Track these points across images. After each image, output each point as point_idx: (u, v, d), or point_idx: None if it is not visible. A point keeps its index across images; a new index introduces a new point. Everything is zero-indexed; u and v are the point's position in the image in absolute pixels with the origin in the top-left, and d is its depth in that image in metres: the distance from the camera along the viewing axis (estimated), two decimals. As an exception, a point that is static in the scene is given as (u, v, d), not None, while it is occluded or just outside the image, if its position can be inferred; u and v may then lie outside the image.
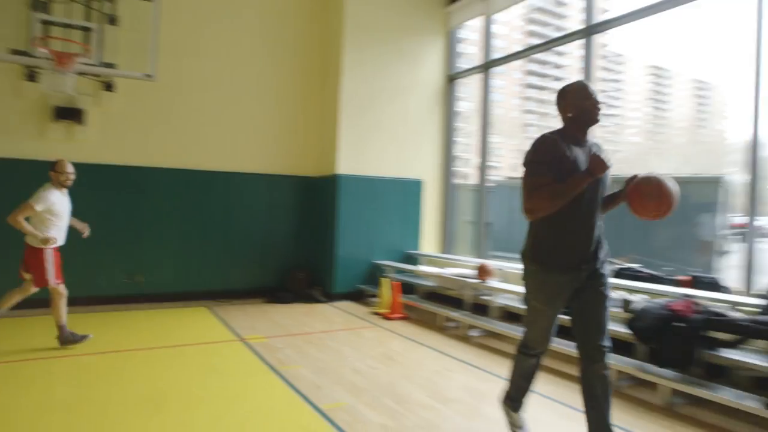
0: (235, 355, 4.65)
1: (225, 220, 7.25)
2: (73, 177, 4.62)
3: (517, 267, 6.13)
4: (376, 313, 6.54)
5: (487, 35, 7.60)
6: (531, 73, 57.30)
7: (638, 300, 4.42)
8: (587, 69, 6.02)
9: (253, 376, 4.06)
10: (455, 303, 6.35)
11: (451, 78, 8.20)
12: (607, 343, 2.59)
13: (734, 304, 4.07)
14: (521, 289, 5.38)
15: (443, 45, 8.20)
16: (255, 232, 7.48)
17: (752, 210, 4.65)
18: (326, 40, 7.80)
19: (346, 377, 4.10)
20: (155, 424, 3.05)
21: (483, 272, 5.93)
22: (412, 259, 7.84)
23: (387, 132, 7.71)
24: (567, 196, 2.40)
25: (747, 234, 4.72)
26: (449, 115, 8.25)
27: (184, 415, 3.22)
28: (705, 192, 7.52)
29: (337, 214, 7.29)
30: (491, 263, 6.13)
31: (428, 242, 8.19)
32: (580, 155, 2.52)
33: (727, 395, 3.42)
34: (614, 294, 4.53)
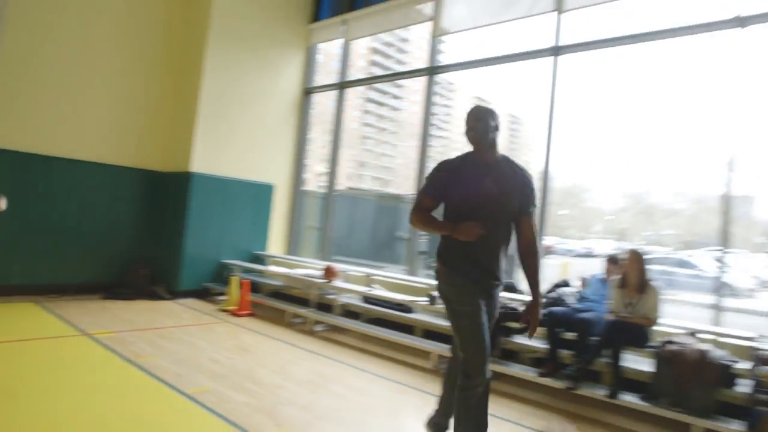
0: (82, 349, 4.57)
1: (58, 210, 6.76)
2: None
3: (357, 269, 6.93)
4: (224, 310, 6.75)
5: (345, 57, 8.34)
6: (372, 88, 60.40)
7: (456, 298, 5.44)
8: (428, 101, 7.10)
9: (109, 368, 4.11)
10: (300, 301, 6.88)
11: (308, 91, 8.75)
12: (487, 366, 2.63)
13: (524, 302, 5.30)
14: (362, 288, 6.18)
15: (303, 59, 8.72)
16: (92, 224, 7.09)
17: (540, 231, 6.02)
18: (188, 38, 7.77)
19: (205, 366, 4.37)
20: (14, 416, 3.04)
21: (329, 273, 6.56)
22: (260, 260, 8.16)
23: (244, 136, 7.95)
24: (433, 231, 2.71)
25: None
26: (303, 125, 8.78)
27: (41, 406, 3.22)
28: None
29: (188, 212, 7.31)
30: (336, 265, 6.79)
31: (275, 244, 8.58)
32: (473, 176, 2.62)
33: (517, 370, 4.55)
34: (437, 294, 5.53)
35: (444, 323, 5.43)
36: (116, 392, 3.59)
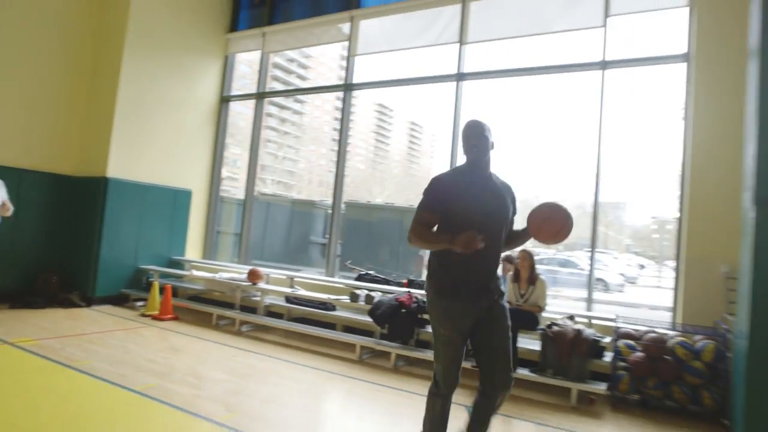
0: (9, 357, 4.54)
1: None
2: None
3: (279, 272, 7.32)
4: (146, 315, 6.79)
5: (263, 69, 8.66)
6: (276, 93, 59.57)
7: (376, 295, 6.05)
8: (344, 115, 7.67)
9: (48, 373, 4.18)
10: (222, 304, 7.11)
11: (225, 99, 8.93)
12: (513, 371, 2.69)
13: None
14: (288, 289, 6.65)
15: (220, 68, 8.89)
16: (-4, 231, 6.78)
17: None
18: (103, 40, 7.66)
19: (144, 366, 4.57)
20: (-31, 414, 3.14)
21: (254, 276, 6.88)
22: (178, 264, 8.21)
23: (161, 141, 7.97)
24: (431, 246, 2.58)
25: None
26: (220, 132, 8.94)
27: (-6, 405, 3.33)
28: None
29: (104, 217, 7.22)
30: (261, 268, 7.12)
31: (193, 249, 8.65)
32: (474, 191, 2.59)
33: (429, 354, 5.24)
34: (360, 293, 6.12)
35: (367, 318, 6.01)
36: (63, 393, 3.74)
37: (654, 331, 4.76)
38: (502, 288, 2.71)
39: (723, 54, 4.96)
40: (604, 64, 5.79)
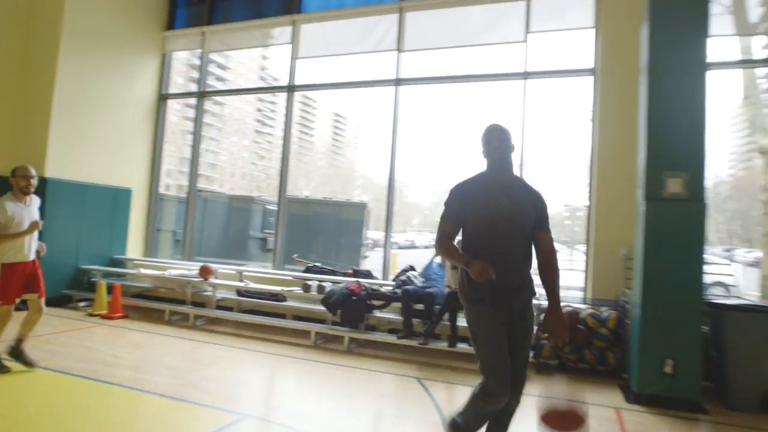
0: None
1: None
2: (35, 183, 4.37)
3: (228, 267, 7.61)
4: (94, 315, 6.82)
5: (203, 68, 8.77)
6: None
7: (327, 285, 6.53)
8: (288, 116, 8.02)
9: (18, 376, 4.29)
10: (170, 300, 7.28)
11: (164, 97, 8.94)
12: (524, 383, 2.67)
13: (381, 285, 6.62)
14: (238, 283, 7.02)
15: (158, 65, 8.87)
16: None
17: (388, 228, 7.40)
18: (36, 36, 7.45)
19: (112, 361, 4.78)
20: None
21: (205, 271, 7.11)
22: (120, 263, 8.20)
23: (100, 140, 7.89)
24: (453, 261, 2.70)
25: (385, 244, 7.46)
26: (159, 130, 8.94)
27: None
28: (354, 213, 10.54)
29: (43, 218, 7.07)
30: (212, 264, 7.35)
31: (134, 247, 8.64)
32: (490, 196, 2.62)
33: (379, 336, 5.82)
34: (312, 283, 6.58)
35: (316, 307, 6.47)
36: (40, 392, 3.93)
37: (569, 306, 5.62)
38: (530, 295, 2.69)
39: (622, 69, 5.86)
40: (525, 75, 6.58)
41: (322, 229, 10.25)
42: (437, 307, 5.69)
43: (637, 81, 5.15)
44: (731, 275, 9.10)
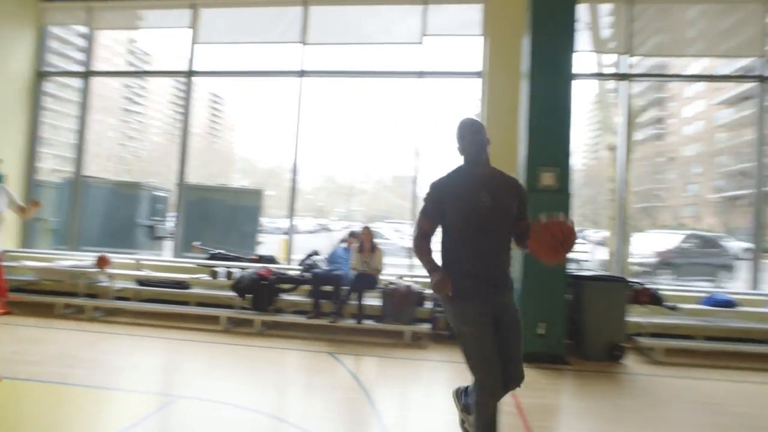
0: None
1: None
2: None
3: (126, 256, 7.40)
4: (-29, 312, 6.29)
5: (90, 45, 8.22)
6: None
7: (235, 271, 6.68)
8: (187, 102, 7.89)
9: None
10: (58, 294, 6.91)
11: (42, 74, 8.24)
12: (522, 375, 2.61)
13: (287, 269, 6.91)
14: (139, 273, 6.98)
15: (34, 39, 8.14)
16: None
17: (291, 214, 7.68)
18: None
19: (13, 358, 4.58)
20: None
21: (102, 262, 6.85)
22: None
23: (-32, 120, 7.15)
24: (423, 264, 2.58)
25: (288, 230, 7.73)
26: (36, 110, 8.24)
27: None
28: (250, 199, 10.54)
29: None
30: (108, 254, 7.07)
31: (8, 238, 7.93)
32: (469, 191, 2.59)
33: (290, 318, 6.15)
34: (220, 270, 6.69)
35: (221, 293, 6.59)
36: (-52, 387, 3.74)
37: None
38: (511, 286, 2.67)
39: (506, 74, 6.64)
40: (421, 74, 7.22)
41: (217, 216, 10.12)
42: (345, 288, 6.16)
43: (519, 85, 6.00)
44: (585, 252, 10.69)
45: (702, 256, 11.81)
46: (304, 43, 7.48)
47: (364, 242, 6.34)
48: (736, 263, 13.66)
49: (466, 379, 2.73)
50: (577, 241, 2.40)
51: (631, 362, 5.41)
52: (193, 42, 7.75)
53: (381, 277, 6.34)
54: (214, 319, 6.33)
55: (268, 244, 9.82)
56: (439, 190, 2.65)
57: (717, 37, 7.04)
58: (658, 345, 5.64)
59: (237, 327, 6.26)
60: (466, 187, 2.60)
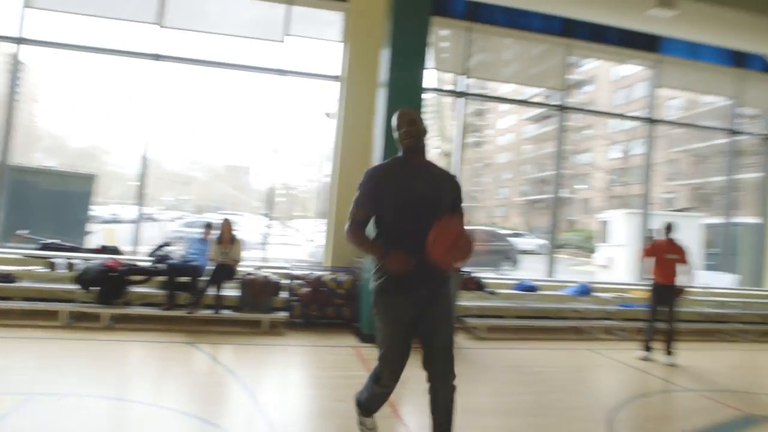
0: None
1: None
2: None
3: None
4: None
5: None
6: None
7: (78, 262, 6.24)
8: (14, 72, 7.05)
9: None
10: None
11: None
12: (454, 369, 2.57)
13: (138, 260, 6.65)
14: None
15: None
16: None
17: (141, 203, 7.35)
18: None
19: None
20: None
21: None
22: None
23: None
24: (364, 251, 2.66)
25: (138, 219, 7.39)
26: None
27: None
28: (80, 185, 9.59)
29: None
30: None
31: None
32: (404, 180, 2.57)
33: (142, 310, 5.99)
34: (59, 261, 6.21)
35: (58, 286, 6.10)
36: None
37: (314, 273, 6.83)
38: (444, 277, 2.64)
39: (363, 80, 7.12)
40: (283, 72, 7.45)
41: (43, 202, 9.06)
42: (202, 279, 6.18)
43: (375, 91, 6.61)
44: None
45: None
46: (161, 25, 7.18)
47: (224, 233, 6.41)
48: (519, 255, 16.57)
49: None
50: (472, 253, 2.43)
51: (462, 339, 6.39)
52: (25, 5, 6.93)
53: (239, 268, 6.48)
54: (51, 315, 5.84)
55: (97, 234, 9.23)
56: (374, 179, 2.61)
57: (527, 65, 8.61)
58: (481, 324, 6.74)
59: (80, 322, 5.88)
60: (401, 177, 2.58)
